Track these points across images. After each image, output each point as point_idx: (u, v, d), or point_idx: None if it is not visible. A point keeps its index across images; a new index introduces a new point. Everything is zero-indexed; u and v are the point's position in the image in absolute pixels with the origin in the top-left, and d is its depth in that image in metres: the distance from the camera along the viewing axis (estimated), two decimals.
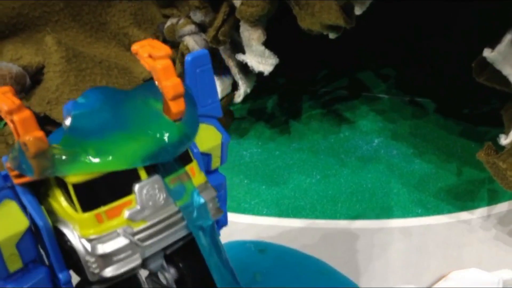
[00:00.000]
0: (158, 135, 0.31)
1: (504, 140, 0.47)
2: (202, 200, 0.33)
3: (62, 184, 0.31)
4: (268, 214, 0.57)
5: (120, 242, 0.31)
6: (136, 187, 0.31)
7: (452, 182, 0.58)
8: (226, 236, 0.55)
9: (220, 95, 0.60)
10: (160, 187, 0.31)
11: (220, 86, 0.60)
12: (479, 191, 0.57)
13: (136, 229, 0.31)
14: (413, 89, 0.71)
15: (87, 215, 0.30)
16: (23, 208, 0.31)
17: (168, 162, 0.32)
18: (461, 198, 0.57)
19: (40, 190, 0.32)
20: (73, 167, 0.30)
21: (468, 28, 0.71)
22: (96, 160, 0.30)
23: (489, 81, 0.48)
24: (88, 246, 0.30)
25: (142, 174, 0.31)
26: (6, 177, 0.31)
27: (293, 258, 0.52)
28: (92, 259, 0.30)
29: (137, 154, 0.30)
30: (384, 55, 0.77)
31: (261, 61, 0.57)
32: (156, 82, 0.31)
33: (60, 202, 0.31)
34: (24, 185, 0.31)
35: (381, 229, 0.55)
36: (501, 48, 0.44)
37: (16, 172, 0.31)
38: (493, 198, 0.56)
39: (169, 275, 0.35)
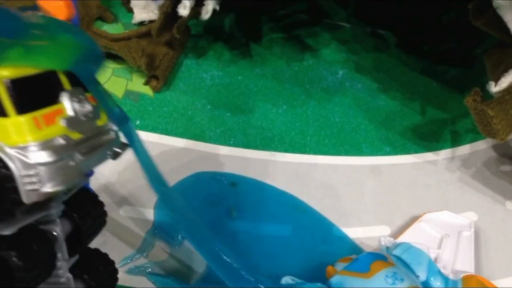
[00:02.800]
0: (83, 40, 0.30)
1: (493, 88, 0.46)
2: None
3: None
4: (236, 144, 0.54)
5: (63, 149, 0.27)
6: (64, 95, 0.29)
7: (416, 121, 0.58)
8: (192, 166, 0.52)
9: (188, 10, 0.54)
10: (85, 99, 0.30)
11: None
12: (442, 132, 0.58)
13: (75, 139, 0.29)
14: (373, 20, 0.68)
15: (24, 118, 0.26)
16: None
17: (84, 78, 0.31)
18: (426, 139, 0.57)
19: None
20: (7, 56, 0.26)
21: None
22: (29, 55, 0.27)
23: (485, 26, 0.47)
24: (25, 156, 0.26)
25: (66, 84, 0.29)
26: None
27: (267, 193, 0.50)
28: (31, 171, 0.26)
29: (70, 56, 0.29)
30: None
31: None
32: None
33: None
34: None
35: (352, 166, 0.54)
36: None
37: None
38: (456, 140, 0.57)
39: (61, 227, 0.32)
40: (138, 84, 0.57)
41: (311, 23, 0.67)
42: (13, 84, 0.26)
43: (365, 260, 0.40)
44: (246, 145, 0.54)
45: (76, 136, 0.29)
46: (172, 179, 0.50)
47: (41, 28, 0.28)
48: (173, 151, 0.53)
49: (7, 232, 0.28)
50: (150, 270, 0.44)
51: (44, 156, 0.26)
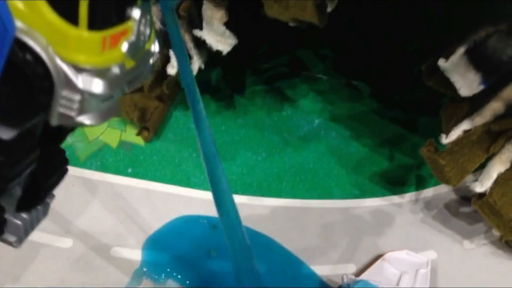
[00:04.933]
0: None
1: (444, 140, 0.52)
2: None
3: None
4: None
5: (116, 81, 0.24)
6: (137, 12, 0.25)
7: (385, 166, 0.64)
8: (177, 210, 0.57)
9: (175, 70, 0.60)
10: (149, 19, 0.26)
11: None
12: (408, 176, 0.63)
13: (128, 69, 0.25)
14: (349, 72, 0.74)
15: (93, 35, 0.23)
16: None
17: None
18: (392, 183, 0.62)
19: None
20: None
21: (400, 23, 0.76)
22: None
23: (436, 85, 0.53)
24: (75, 76, 0.23)
25: None
26: None
27: None
28: (75, 96, 0.23)
29: None
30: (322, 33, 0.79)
31: (220, 40, 0.58)
32: None
33: (39, 7, 0.22)
34: None
35: (323, 208, 0.59)
36: (454, 59, 0.49)
37: None
38: (420, 184, 0.62)
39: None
40: (131, 135, 0.63)
41: (292, 76, 0.73)
42: None
43: None
44: None
45: (129, 64, 0.25)
46: (159, 222, 0.55)
47: None
48: (162, 196, 0.59)
49: (5, 136, 0.24)
50: None
51: (95, 86, 0.23)
